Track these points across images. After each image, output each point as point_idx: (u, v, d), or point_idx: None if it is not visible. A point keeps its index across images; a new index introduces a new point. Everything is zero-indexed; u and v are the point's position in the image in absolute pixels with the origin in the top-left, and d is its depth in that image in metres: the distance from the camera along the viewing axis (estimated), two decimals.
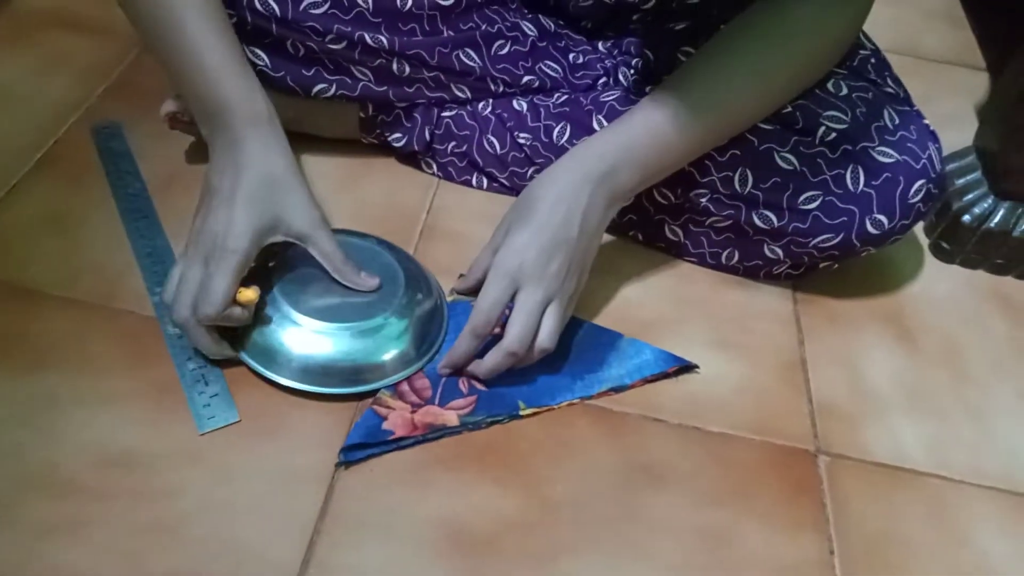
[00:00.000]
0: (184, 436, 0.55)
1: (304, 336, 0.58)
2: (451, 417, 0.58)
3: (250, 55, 0.66)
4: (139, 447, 0.54)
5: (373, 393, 0.59)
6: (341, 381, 0.58)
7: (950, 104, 0.97)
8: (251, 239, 0.55)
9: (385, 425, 0.56)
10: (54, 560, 0.49)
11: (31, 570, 0.48)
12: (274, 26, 0.65)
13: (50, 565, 0.48)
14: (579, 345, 0.64)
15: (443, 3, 0.67)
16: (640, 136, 0.60)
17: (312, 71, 0.69)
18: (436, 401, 0.59)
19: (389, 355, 0.59)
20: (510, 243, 0.58)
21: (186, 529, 0.51)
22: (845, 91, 0.64)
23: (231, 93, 0.58)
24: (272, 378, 0.58)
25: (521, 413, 0.60)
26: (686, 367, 0.64)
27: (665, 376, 0.64)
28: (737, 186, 0.65)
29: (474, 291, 0.63)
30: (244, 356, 0.59)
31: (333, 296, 0.60)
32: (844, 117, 0.63)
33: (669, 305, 0.69)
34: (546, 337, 0.57)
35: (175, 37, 0.58)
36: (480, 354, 0.59)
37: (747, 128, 0.64)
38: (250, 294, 0.56)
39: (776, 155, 0.64)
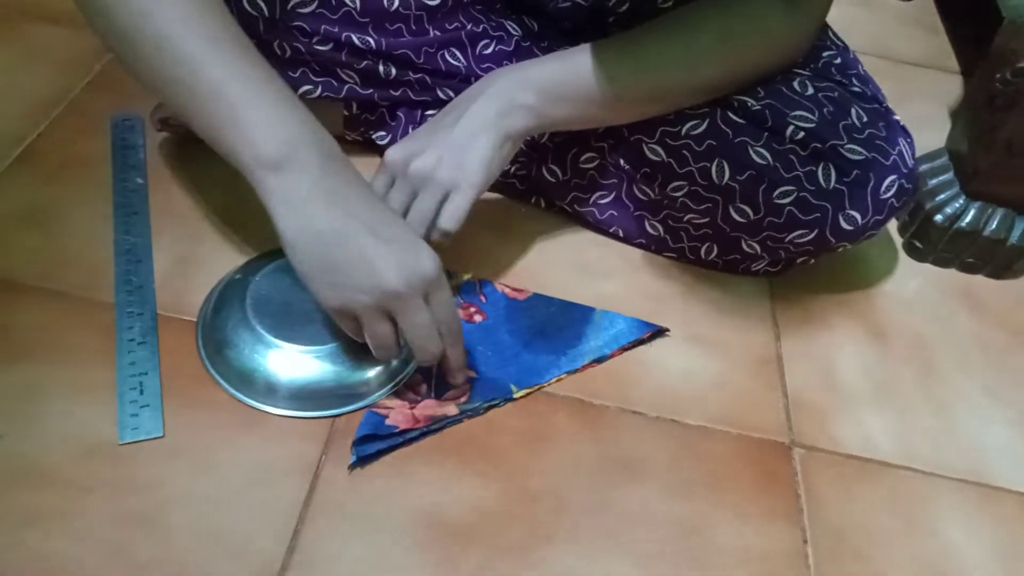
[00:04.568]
0: (165, 428, 0.56)
1: (291, 361, 0.58)
2: (450, 407, 0.59)
3: None
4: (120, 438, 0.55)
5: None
6: (334, 401, 0.58)
7: (923, 106, 0.99)
8: None
9: (388, 422, 0.57)
10: (37, 550, 0.49)
11: (14, 559, 0.48)
12: (261, 26, 0.64)
13: (33, 554, 0.49)
14: (555, 323, 0.66)
15: (430, 3, 0.68)
16: (549, 65, 0.64)
17: (298, 72, 0.69)
18: (431, 394, 0.60)
19: (374, 370, 0.59)
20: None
21: (169, 519, 0.51)
22: (811, 91, 0.66)
23: (303, 124, 0.53)
24: (262, 408, 0.58)
25: (515, 396, 0.61)
26: (658, 332, 0.67)
27: (641, 342, 0.66)
28: (714, 177, 0.67)
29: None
30: (229, 388, 0.58)
31: (312, 319, 0.59)
32: (811, 116, 0.65)
33: (646, 301, 0.70)
34: (416, 223, 0.60)
35: (210, 84, 0.51)
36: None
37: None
38: None
39: (750, 148, 0.66)
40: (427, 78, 0.72)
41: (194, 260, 0.67)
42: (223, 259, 0.66)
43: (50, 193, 0.70)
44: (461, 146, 0.61)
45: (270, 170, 0.51)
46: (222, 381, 0.58)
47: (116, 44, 0.54)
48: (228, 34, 0.53)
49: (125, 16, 0.52)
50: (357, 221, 0.51)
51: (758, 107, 0.66)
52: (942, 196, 0.78)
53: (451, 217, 0.60)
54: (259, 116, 0.51)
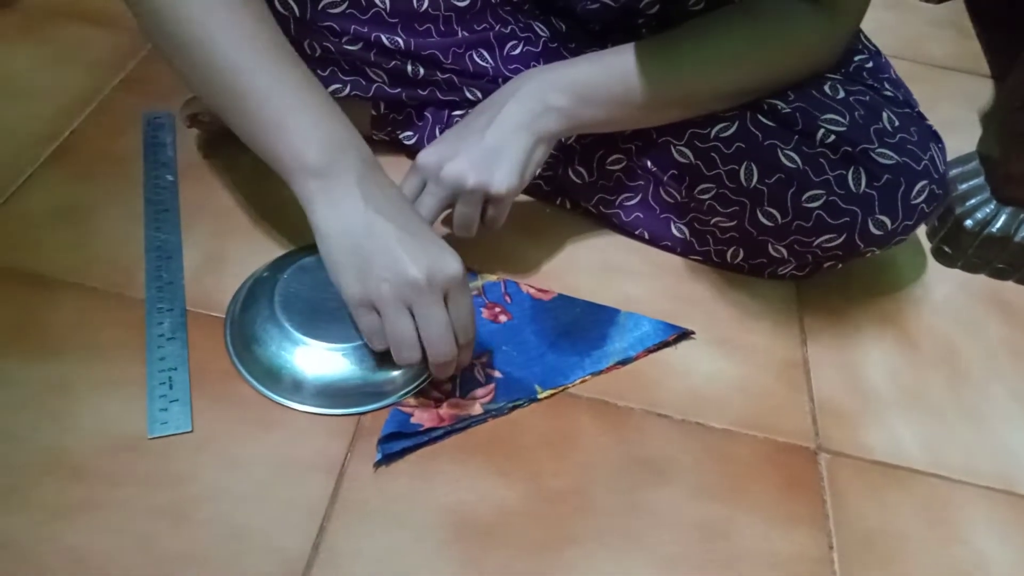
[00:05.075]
0: (193, 423, 0.56)
1: (318, 358, 0.58)
2: (475, 407, 0.59)
3: None
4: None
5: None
6: (359, 399, 0.59)
7: (954, 110, 0.98)
8: None
9: (413, 420, 0.57)
10: (67, 542, 0.50)
11: (45, 551, 0.49)
12: (292, 25, 0.65)
13: (63, 546, 0.49)
14: (580, 324, 0.66)
15: (458, 4, 0.68)
16: (580, 67, 0.64)
17: (327, 71, 0.69)
18: (456, 393, 0.60)
19: (400, 369, 0.59)
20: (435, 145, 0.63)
21: (197, 514, 0.52)
22: (842, 94, 0.66)
23: (346, 130, 0.55)
24: (288, 404, 0.58)
25: (539, 396, 0.61)
26: (684, 334, 0.67)
27: (666, 344, 0.66)
28: (743, 179, 0.66)
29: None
30: (256, 384, 0.59)
31: (339, 317, 0.59)
32: (842, 120, 0.64)
33: (672, 303, 0.70)
34: (461, 229, 0.63)
35: (256, 91, 0.53)
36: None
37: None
38: None
39: (780, 151, 0.65)
40: (455, 78, 0.72)
41: (223, 257, 0.68)
42: (252, 256, 0.67)
43: (82, 190, 0.71)
44: (493, 150, 0.61)
45: (313, 175, 0.53)
46: (249, 377, 0.59)
47: (164, 46, 0.55)
48: (274, 42, 0.55)
49: (174, 22, 0.53)
50: (387, 218, 0.53)
51: (788, 110, 0.65)
52: (973, 201, 0.77)
53: (491, 226, 0.64)
54: (303, 124, 0.54)
